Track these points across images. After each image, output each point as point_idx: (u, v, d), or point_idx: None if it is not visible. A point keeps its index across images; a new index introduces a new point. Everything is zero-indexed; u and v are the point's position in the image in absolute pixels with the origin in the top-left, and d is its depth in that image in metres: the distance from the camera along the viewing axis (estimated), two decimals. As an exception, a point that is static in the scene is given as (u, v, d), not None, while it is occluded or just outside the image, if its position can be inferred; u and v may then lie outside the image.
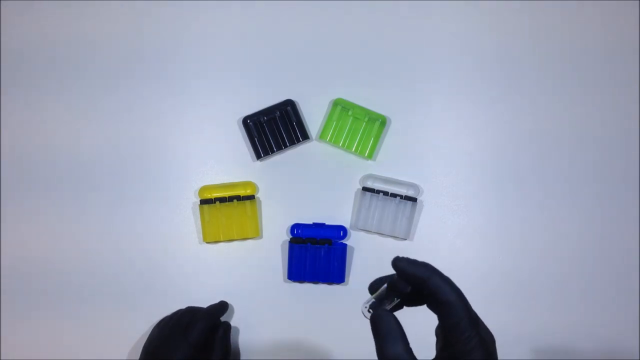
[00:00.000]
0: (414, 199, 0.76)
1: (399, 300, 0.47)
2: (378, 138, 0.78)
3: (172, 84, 0.79)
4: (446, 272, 0.80)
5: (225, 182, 0.78)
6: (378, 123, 0.77)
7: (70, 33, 0.80)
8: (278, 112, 0.78)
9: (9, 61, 0.80)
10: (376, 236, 0.78)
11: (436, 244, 0.77)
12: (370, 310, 0.47)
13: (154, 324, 0.73)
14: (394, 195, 0.77)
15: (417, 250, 0.77)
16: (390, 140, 0.79)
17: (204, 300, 0.75)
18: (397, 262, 0.47)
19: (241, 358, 0.75)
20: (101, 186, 0.78)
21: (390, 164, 0.78)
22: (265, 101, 0.78)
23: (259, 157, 0.78)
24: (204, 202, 0.77)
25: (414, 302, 0.48)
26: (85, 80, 0.79)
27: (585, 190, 0.78)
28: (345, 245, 0.77)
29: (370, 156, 0.78)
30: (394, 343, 0.43)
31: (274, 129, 0.78)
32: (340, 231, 0.77)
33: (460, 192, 0.78)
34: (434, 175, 0.78)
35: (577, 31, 0.80)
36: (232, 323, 0.75)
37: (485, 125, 0.79)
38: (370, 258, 0.77)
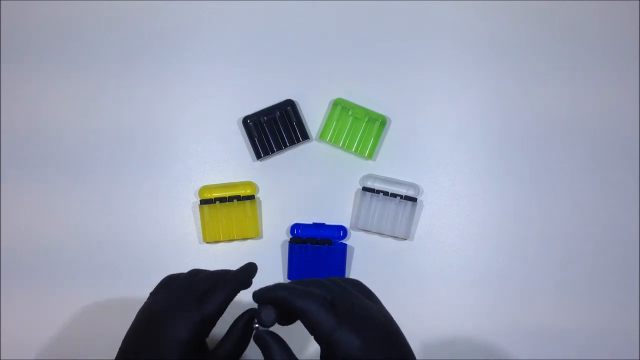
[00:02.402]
0: (414, 199, 0.76)
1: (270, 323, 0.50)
2: (378, 138, 0.78)
3: (171, 84, 0.79)
4: (447, 272, 0.80)
5: (225, 182, 0.78)
6: (378, 123, 0.77)
7: (67, 31, 0.80)
8: (278, 112, 0.78)
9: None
10: (376, 236, 0.77)
11: (436, 244, 0.77)
12: (257, 326, 0.50)
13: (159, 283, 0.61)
14: (394, 195, 0.77)
15: (417, 250, 0.77)
16: (390, 140, 0.79)
17: (204, 300, 0.74)
18: (255, 296, 0.51)
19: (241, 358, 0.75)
20: (100, 187, 0.78)
21: (390, 164, 0.78)
22: (265, 101, 0.78)
23: (259, 157, 0.78)
24: (204, 202, 0.77)
25: (286, 321, 0.52)
26: (84, 77, 0.79)
27: (587, 191, 0.78)
28: (345, 245, 0.76)
29: (370, 156, 0.78)
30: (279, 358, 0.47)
31: (274, 129, 0.78)
32: (340, 231, 0.77)
33: (460, 192, 0.78)
34: (434, 175, 0.78)
35: (577, 30, 0.80)
36: (232, 323, 0.75)
37: (486, 125, 0.79)
38: (370, 258, 0.77)
